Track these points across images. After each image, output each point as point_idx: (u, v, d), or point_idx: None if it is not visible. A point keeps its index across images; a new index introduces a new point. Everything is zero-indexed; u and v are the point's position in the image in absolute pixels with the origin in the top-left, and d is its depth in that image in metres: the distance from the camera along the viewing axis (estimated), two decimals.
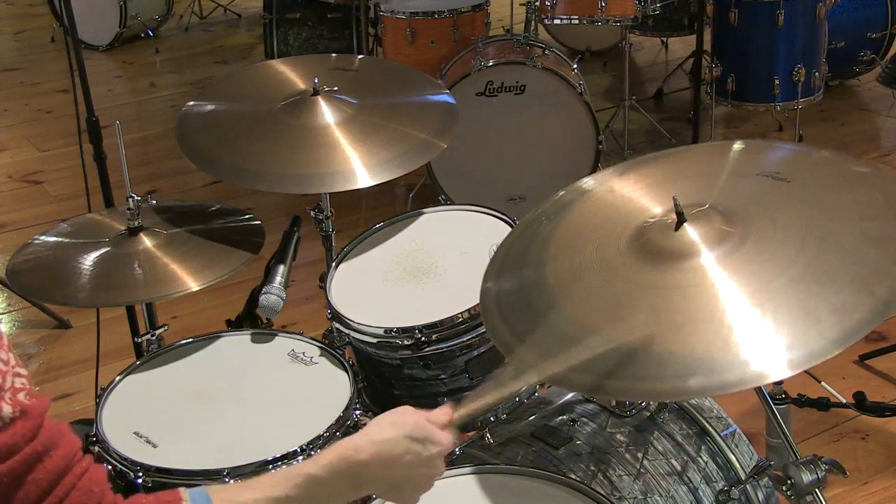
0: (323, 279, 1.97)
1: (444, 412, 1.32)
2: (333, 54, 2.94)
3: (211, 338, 1.91)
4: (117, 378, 1.80)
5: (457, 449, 1.82)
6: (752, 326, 1.20)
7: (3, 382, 1.03)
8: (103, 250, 1.92)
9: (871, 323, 1.14)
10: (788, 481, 1.49)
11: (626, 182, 1.54)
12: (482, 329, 1.81)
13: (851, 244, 1.25)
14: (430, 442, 1.27)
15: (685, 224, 1.33)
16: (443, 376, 1.86)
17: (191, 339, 1.90)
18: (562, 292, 1.39)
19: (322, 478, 1.20)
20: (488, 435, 1.82)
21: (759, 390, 1.59)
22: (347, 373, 1.77)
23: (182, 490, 1.15)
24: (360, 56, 4.03)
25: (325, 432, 1.64)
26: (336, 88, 2.10)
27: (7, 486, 1.04)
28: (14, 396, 1.04)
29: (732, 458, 1.78)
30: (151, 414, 1.71)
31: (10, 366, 1.05)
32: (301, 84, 2.16)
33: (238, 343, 1.90)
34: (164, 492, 1.16)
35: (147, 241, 1.92)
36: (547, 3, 3.88)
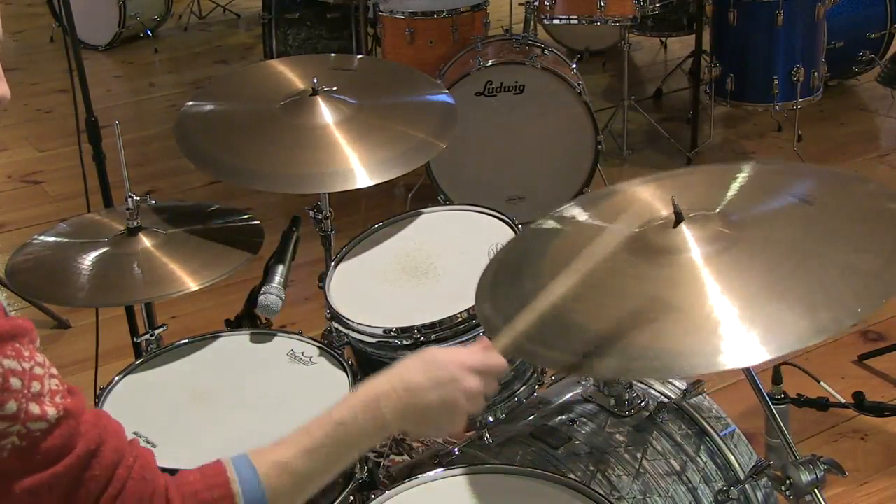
0: (322, 279, 1.97)
1: (476, 349, 1.33)
2: (332, 54, 2.95)
3: (210, 338, 1.91)
4: (116, 378, 1.80)
5: (455, 449, 1.83)
6: (683, 324, 1.21)
7: (42, 387, 1.05)
8: (102, 250, 1.92)
9: (793, 345, 1.15)
10: (787, 481, 1.49)
11: (664, 186, 1.55)
12: (481, 329, 1.81)
13: (827, 271, 1.25)
14: (457, 384, 1.27)
15: (682, 224, 1.34)
16: None
17: (190, 339, 1.90)
18: (550, 266, 1.43)
19: (348, 422, 1.22)
20: (487, 435, 1.82)
21: (757, 390, 1.59)
22: (346, 373, 1.77)
23: (226, 461, 1.16)
24: (359, 56, 4.03)
25: None
26: (335, 88, 2.10)
27: (67, 486, 1.06)
28: (53, 399, 1.05)
29: (731, 458, 1.78)
30: (151, 414, 1.71)
31: (46, 367, 1.07)
32: (300, 84, 2.16)
33: (237, 343, 1.90)
34: (209, 464, 1.17)
35: (146, 241, 1.92)
36: (546, 3, 3.88)
